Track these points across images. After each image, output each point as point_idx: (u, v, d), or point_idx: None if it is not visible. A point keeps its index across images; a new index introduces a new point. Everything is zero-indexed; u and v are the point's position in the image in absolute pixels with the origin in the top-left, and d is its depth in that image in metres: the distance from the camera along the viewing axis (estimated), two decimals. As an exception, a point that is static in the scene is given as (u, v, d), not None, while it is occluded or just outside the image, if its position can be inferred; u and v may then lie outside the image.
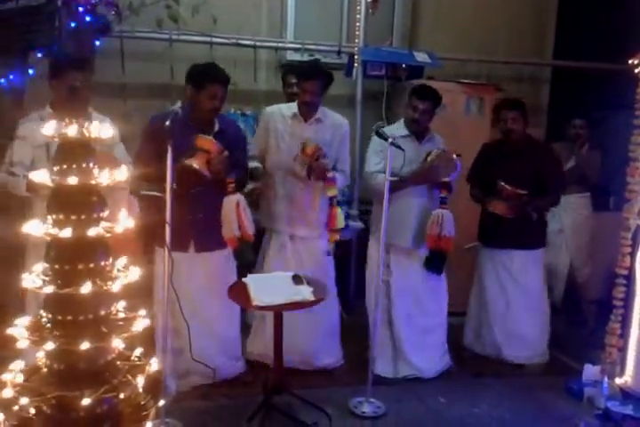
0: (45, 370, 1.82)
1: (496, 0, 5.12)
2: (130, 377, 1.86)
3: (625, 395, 3.17)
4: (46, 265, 1.80)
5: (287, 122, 3.36)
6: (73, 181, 1.72)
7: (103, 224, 1.81)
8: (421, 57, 4.48)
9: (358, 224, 4.33)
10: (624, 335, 3.23)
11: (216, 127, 3.06)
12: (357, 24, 4.38)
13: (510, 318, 3.74)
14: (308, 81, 3.23)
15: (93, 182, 1.76)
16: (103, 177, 1.77)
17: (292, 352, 3.19)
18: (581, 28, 5.11)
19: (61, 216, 1.76)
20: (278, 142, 3.37)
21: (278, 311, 2.84)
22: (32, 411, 1.77)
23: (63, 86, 2.80)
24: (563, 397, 3.36)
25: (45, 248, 1.81)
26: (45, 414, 1.77)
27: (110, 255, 1.86)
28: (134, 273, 1.86)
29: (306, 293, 2.79)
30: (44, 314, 1.80)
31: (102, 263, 1.82)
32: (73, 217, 1.75)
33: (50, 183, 1.74)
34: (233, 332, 3.32)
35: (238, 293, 2.83)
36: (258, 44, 4.36)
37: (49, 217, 1.77)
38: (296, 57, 4.62)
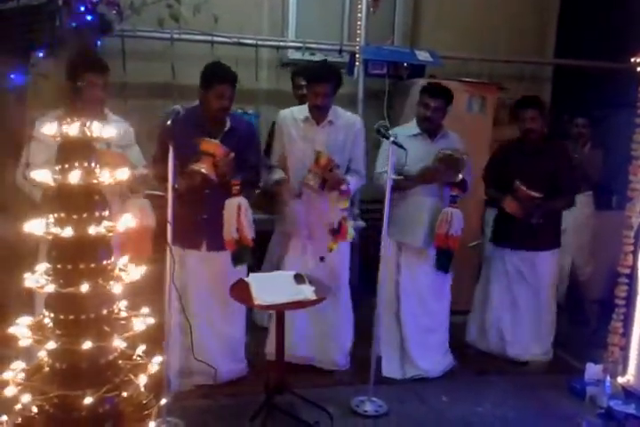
0: (47, 369, 1.82)
1: (498, -1, 5.13)
2: (132, 376, 1.86)
3: (627, 394, 3.17)
4: (48, 265, 1.80)
5: (299, 126, 3.32)
6: (74, 180, 1.72)
7: (105, 223, 1.81)
8: (423, 56, 4.48)
9: (360, 223, 4.33)
10: (626, 334, 3.22)
11: (227, 126, 3.07)
12: (359, 23, 4.37)
13: (515, 316, 3.74)
14: (318, 84, 3.16)
15: (95, 182, 1.76)
16: (105, 177, 1.77)
17: (312, 350, 3.39)
18: (583, 26, 5.10)
19: (63, 215, 1.76)
20: (292, 147, 3.34)
21: (280, 310, 2.84)
22: (34, 410, 1.78)
23: (84, 87, 2.87)
24: (565, 396, 3.36)
25: (47, 248, 1.82)
26: (47, 413, 1.77)
27: (112, 254, 1.86)
28: (137, 272, 1.86)
29: (307, 292, 2.79)
30: (47, 313, 1.80)
31: (104, 262, 1.82)
32: (74, 216, 1.75)
33: (52, 183, 1.75)
34: (238, 333, 3.32)
35: (240, 292, 2.83)
36: (259, 42, 4.36)
37: (51, 216, 1.77)
38: (297, 56, 4.63)
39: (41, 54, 3.22)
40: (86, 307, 1.77)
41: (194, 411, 2.98)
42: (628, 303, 3.20)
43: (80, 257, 1.77)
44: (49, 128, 1.73)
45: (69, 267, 1.77)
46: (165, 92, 4.22)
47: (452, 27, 4.99)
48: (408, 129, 3.48)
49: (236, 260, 3.03)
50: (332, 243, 3.22)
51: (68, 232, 1.72)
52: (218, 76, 2.96)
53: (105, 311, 1.82)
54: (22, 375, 1.80)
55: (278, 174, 3.33)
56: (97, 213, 1.79)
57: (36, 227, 1.74)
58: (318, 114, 3.28)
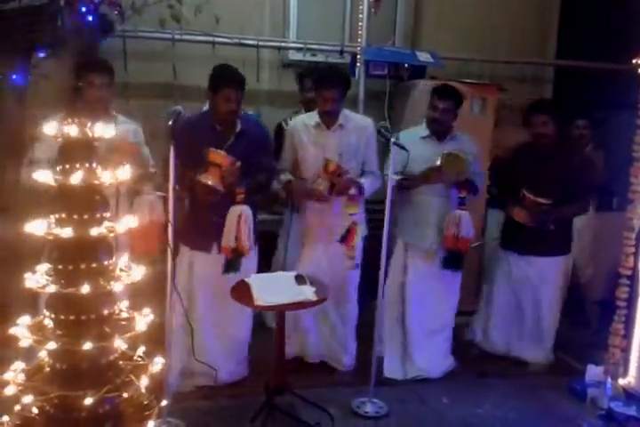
0: (48, 370, 1.83)
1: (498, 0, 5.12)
2: (133, 377, 1.86)
3: (628, 396, 3.17)
4: (49, 265, 1.80)
5: (310, 131, 3.31)
6: (76, 180, 1.72)
7: (106, 224, 1.81)
8: (424, 57, 4.47)
9: (363, 230, 4.30)
10: (627, 336, 3.22)
11: (238, 128, 3.08)
12: (360, 23, 4.37)
13: (518, 319, 3.73)
14: (327, 90, 3.14)
15: (96, 182, 1.76)
16: (106, 177, 1.77)
17: (323, 348, 3.49)
18: (584, 27, 5.09)
19: (64, 216, 1.76)
20: (304, 153, 3.34)
21: (281, 311, 2.84)
22: (35, 410, 1.78)
23: (86, 88, 2.94)
24: (566, 397, 3.36)
25: (48, 248, 1.82)
26: (48, 413, 1.77)
27: (113, 254, 1.86)
28: (138, 273, 1.86)
29: (308, 293, 2.79)
30: (47, 314, 1.80)
31: (105, 263, 1.82)
32: (75, 217, 1.75)
33: (53, 183, 1.74)
34: (243, 334, 3.31)
35: (241, 292, 2.83)
36: (260, 43, 4.36)
37: (52, 217, 1.77)
38: (299, 56, 4.63)
39: (42, 55, 3.23)
40: (87, 307, 1.78)
41: (194, 412, 2.98)
42: (629, 305, 3.20)
43: (81, 257, 1.77)
44: (50, 128, 1.73)
45: (70, 267, 1.77)
46: (167, 92, 4.22)
47: (453, 28, 4.99)
48: (417, 131, 3.49)
49: (228, 267, 3.03)
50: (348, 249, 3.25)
51: (68, 233, 1.72)
52: (225, 79, 2.97)
53: (106, 312, 1.82)
54: (23, 376, 1.80)
55: (287, 176, 3.35)
56: (98, 214, 1.79)
57: (37, 227, 1.74)
58: (328, 119, 3.27)
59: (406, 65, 4.55)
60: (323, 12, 4.83)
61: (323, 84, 3.17)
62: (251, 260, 3.17)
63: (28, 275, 1.78)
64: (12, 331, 1.77)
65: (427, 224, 3.44)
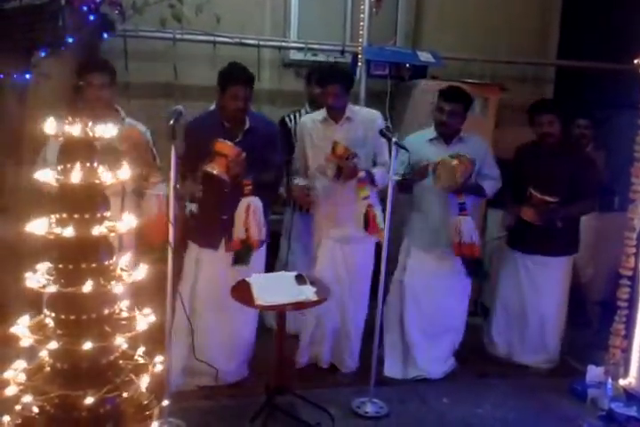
0: (48, 369, 1.82)
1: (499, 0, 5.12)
2: (133, 377, 1.86)
3: (629, 396, 3.16)
4: (50, 264, 1.79)
5: (318, 126, 3.35)
6: (76, 180, 1.72)
7: (107, 223, 1.81)
8: (425, 56, 4.47)
9: None
10: (628, 336, 3.22)
11: (246, 125, 3.09)
12: (361, 23, 4.36)
13: (524, 321, 3.71)
14: (330, 85, 3.22)
15: (97, 182, 1.76)
16: (107, 176, 1.77)
17: (333, 351, 3.50)
18: (585, 27, 5.09)
19: (65, 215, 1.76)
20: (314, 149, 3.35)
21: (281, 311, 2.84)
22: (35, 410, 1.77)
23: (87, 88, 2.95)
24: (566, 398, 3.35)
25: (48, 248, 1.81)
26: (48, 413, 1.77)
27: (114, 254, 1.86)
28: (139, 272, 1.86)
29: (309, 293, 2.79)
30: (48, 313, 1.80)
31: (106, 262, 1.82)
32: (76, 216, 1.75)
33: (54, 182, 1.74)
34: (248, 334, 3.30)
35: (241, 292, 2.83)
36: (261, 43, 4.36)
37: (52, 216, 1.77)
38: (299, 56, 4.63)
39: (43, 54, 3.23)
40: (88, 307, 1.77)
41: (195, 412, 2.98)
42: (630, 305, 3.19)
43: (82, 257, 1.77)
44: (51, 127, 1.73)
45: (71, 267, 1.77)
46: (168, 92, 4.23)
47: (454, 28, 4.99)
48: (425, 134, 3.49)
49: (237, 259, 3.03)
50: (378, 235, 3.19)
51: (69, 232, 1.72)
52: (232, 76, 2.98)
53: (106, 311, 1.82)
54: (23, 375, 1.80)
55: (302, 182, 3.36)
56: (99, 213, 1.79)
57: (38, 227, 1.74)
58: (335, 113, 3.32)
59: (407, 65, 4.54)
60: (324, 11, 4.83)
61: (327, 80, 3.24)
62: (260, 255, 3.18)
63: (28, 274, 1.78)
64: (13, 330, 1.76)
65: (426, 228, 3.46)
